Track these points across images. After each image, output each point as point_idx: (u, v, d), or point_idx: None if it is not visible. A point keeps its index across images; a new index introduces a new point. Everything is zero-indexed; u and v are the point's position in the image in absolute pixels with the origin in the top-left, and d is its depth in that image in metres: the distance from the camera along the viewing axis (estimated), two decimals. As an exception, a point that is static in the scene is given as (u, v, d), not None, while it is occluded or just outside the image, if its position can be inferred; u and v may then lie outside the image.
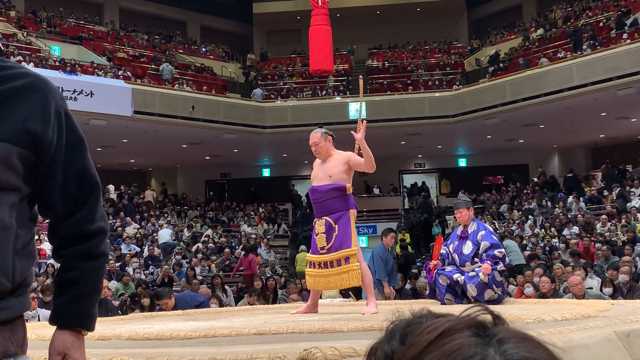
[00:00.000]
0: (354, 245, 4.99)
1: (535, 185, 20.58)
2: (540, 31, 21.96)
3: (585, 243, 13.14)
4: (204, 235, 18.03)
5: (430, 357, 0.64)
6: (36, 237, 15.14)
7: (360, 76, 5.78)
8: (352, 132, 5.09)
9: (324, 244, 5.04)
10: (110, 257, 14.71)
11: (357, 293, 8.30)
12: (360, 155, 5.11)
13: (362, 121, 5.19)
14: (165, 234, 16.96)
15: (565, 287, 8.00)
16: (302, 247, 17.84)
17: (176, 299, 7.53)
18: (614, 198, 16.76)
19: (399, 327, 0.75)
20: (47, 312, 7.77)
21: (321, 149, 5.09)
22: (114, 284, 11.60)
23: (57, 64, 17.51)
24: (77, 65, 17.72)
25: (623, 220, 14.71)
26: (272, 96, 21.60)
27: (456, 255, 5.77)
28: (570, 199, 17.74)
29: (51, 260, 13.71)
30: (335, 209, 5.05)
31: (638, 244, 12.74)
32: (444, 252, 5.88)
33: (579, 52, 17.53)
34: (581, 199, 17.58)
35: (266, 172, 25.01)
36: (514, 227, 16.78)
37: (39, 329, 4.35)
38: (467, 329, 0.65)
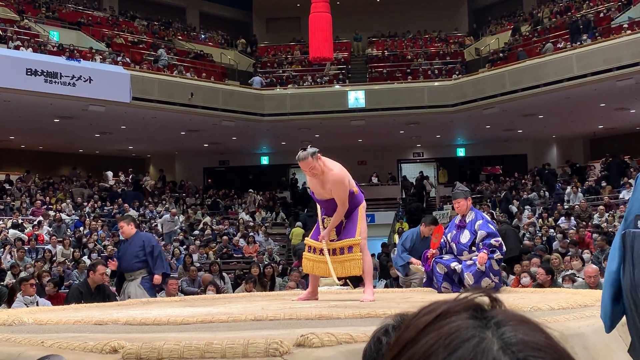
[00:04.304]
0: (357, 235, 5.10)
1: (536, 176, 20.57)
2: (527, 27, 22.06)
3: (581, 233, 13.15)
4: (203, 224, 18.04)
5: (427, 338, 0.64)
6: (35, 222, 15.17)
7: None
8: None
9: (334, 237, 5.17)
10: (107, 243, 14.74)
11: (354, 281, 8.30)
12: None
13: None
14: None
15: (564, 276, 8.02)
16: (299, 223, 18.13)
17: (139, 235, 7.31)
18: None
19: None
20: (45, 301, 7.78)
21: (317, 171, 4.99)
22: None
23: (55, 49, 17.44)
24: (75, 51, 17.66)
25: (621, 212, 14.74)
26: (272, 84, 21.53)
27: (454, 244, 5.78)
28: (569, 189, 17.77)
29: (49, 246, 13.72)
30: (347, 211, 5.18)
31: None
32: (443, 241, 5.89)
33: (579, 43, 17.49)
34: (579, 189, 17.61)
35: (265, 160, 24.99)
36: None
37: (36, 314, 4.36)
38: (465, 311, 0.65)
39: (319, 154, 5.00)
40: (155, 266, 6.97)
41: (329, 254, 5.13)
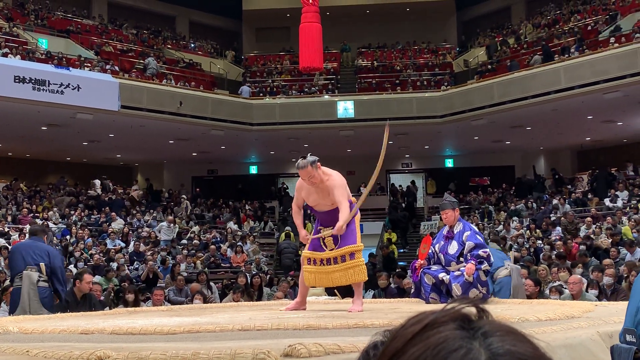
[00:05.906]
0: (359, 242, 5.11)
1: (520, 187, 20.67)
2: (510, 40, 22.26)
3: (568, 246, 13.18)
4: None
5: (414, 349, 0.64)
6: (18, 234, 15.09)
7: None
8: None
9: (333, 246, 5.14)
10: (94, 252, 14.65)
11: (342, 291, 8.29)
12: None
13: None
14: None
15: (551, 287, 8.04)
16: (288, 228, 18.19)
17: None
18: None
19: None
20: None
21: (316, 179, 5.03)
22: (97, 279, 11.53)
23: (44, 57, 17.37)
24: (64, 59, 17.60)
25: (608, 223, 14.81)
26: (262, 94, 21.55)
27: (442, 255, 5.79)
28: (556, 201, 17.84)
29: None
30: None
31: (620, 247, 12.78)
32: (431, 252, 5.90)
33: (567, 55, 17.61)
34: (566, 201, 17.69)
35: (253, 170, 24.96)
36: (499, 228, 16.85)
37: (21, 323, 4.32)
38: (452, 321, 0.65)
39: (318, 163, 5.02)
40: None
41: (327, 264, 5.11)
